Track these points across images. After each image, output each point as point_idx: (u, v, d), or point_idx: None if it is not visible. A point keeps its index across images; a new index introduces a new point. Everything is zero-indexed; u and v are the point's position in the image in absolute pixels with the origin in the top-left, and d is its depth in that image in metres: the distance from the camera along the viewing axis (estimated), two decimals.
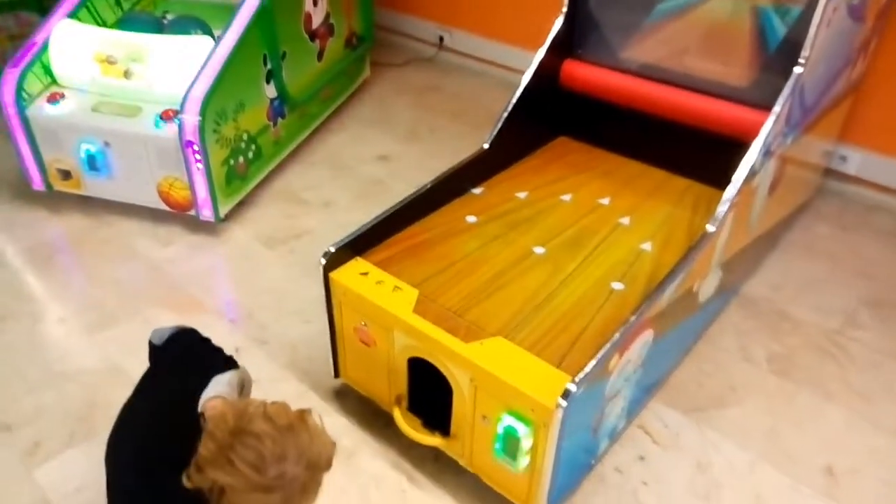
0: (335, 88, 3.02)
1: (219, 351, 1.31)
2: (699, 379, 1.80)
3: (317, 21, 2.73)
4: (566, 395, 1.20)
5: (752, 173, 1.61)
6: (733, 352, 1.89)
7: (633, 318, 1.34)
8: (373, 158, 2.79)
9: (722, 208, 1.56)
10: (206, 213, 2.24)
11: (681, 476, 1.56)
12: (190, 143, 2.10)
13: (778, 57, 1.81)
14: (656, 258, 1.63)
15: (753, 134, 1.68)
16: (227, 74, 2.17)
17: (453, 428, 1.45)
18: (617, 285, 1.54)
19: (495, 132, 1.89)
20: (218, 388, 1.20)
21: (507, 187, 1.89)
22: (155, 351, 1.31)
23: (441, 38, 3.62)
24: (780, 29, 1.82)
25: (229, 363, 1.27)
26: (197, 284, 2.11)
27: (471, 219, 1.75)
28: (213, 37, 2.29)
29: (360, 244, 1.59)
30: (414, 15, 3.69)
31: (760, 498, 1.52)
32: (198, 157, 2.12)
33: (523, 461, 1.32)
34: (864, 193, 2.54)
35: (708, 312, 1.86)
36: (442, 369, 1.40)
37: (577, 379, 1.22)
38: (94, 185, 2.31)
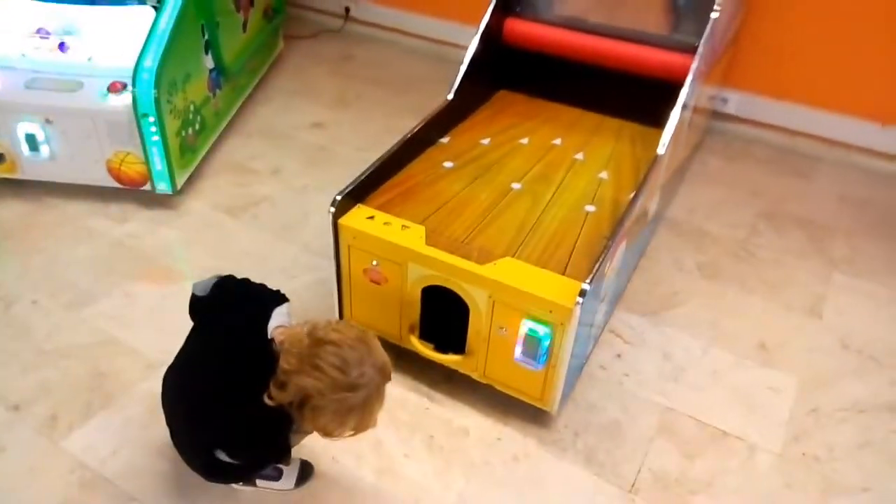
0: (257, 60, 3.03)
1: (266, 287, 1.39)
2: (647, 288, 2.10)
3: None
4: (583, 293, 1.42)
5: (685, 106, 1.91)
6: (669, 264, 2.22)
7: (619, 229, 1.58)
8: (308, 126, 2.86)
9: (667, 136, 1.84)
10: (162, 186, 2.23)
11: (652, 366, 1.85)
12: (145, 115, 2.08)
13: (688, 6, 2.12)
14: (614, 184, 1.89)
15: (677, 74, 1.98)
16: (174, 45, 2.16)
17: (469, 346, 1.63)
18: (589, 207, 1.78)
19: (456, 85, 2.06)
20: (280, 319, 1.30)
21: (469, 136, 2.07)
22: (202, 300, 1.37)
23: (347, 10, 3.69)
24: None
25: (282, 296, 1.37)
26: (169, 255, 2.12)
27: (448, 164, 1.92)
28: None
29: (357, 193, 1.71)
30: None
31: (716, 373, 1.84)
32: (153, 129, 2.11)
33: (543, 360, 1.53)
34: (744, 129, 2.98)
35: (648, 231, 2.17)
36: (459, 292, 1.57)
37: (589, 279, 1.44)
38: (32, 168, 2.21)
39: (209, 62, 2.46)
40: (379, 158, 1.79)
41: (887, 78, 2.64)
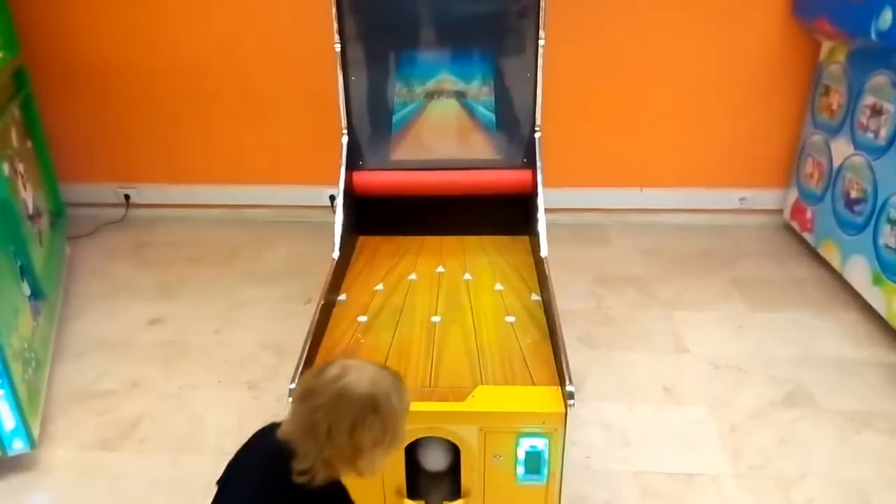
0: (55, 273, 2.68)
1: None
2: None
3: (31, 204, 2.44)
4: (571, 395, 1.53)
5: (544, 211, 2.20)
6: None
7: (558, 331, 1.74)
8: (144, 325, 2.59)
9: (543, 239, 2.09)
10: (18, 445, 1.84)
11: (600, 440, 2.00)
12: None
13: (500, 133, 2.46)
14: (512, 292, 2.06)
15: (518, 188, 2.28)
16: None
17: (464, 488, 1.62)
18: (509, 318, 1.92)
19: (338, 243, 2.10)
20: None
21: (363, 287, 2.09)
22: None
23: (127, 197, 3.47)
24: (487, 114, 2.48)
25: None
26: None
27: (362, 318, 1.92)
28: None
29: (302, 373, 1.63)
30: (88, 182, 3.44)
31: (650, 425, 2.06)
32: (1, 383, 1.76)
33: (546, 471, 1.58)
34: None
35: None
36: (447, 436, 1.57)
37: (571, 383, 1.56)
38: None
39: (26, 289, 2.14)
40: (308, 333, 1.73)
41: (635, 152, 3.30)
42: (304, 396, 1.15)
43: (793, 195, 3.19)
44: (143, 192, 3.48)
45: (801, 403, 2.13)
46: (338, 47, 2.14)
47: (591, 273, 2.94)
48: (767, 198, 3.33)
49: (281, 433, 1.16)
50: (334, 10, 2.08)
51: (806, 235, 3.05)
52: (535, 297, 2.03)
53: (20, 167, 2.42)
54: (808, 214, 3.02)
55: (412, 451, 1.60)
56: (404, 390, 1.22)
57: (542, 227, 2.13)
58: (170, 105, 3.28)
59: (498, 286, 2.10)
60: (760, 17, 3.01)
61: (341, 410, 1.12)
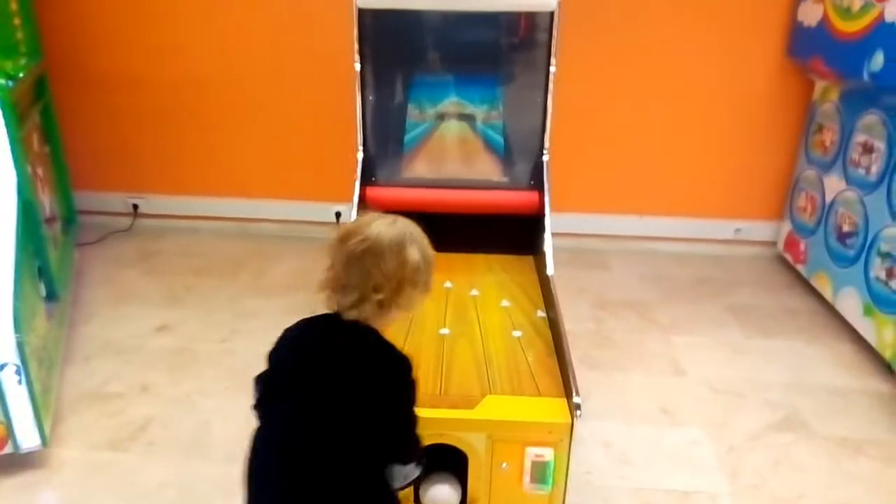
0: (65, 277, 2.72)
1: None
2: None
3: (48, 208, 2.50)
4: (578, 406, 1.59)
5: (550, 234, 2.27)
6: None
7: (565, 346, 1.80)
8: (152, 332, 2.63)
9: (549, 259, 2.16)
10: (30, 442, 1.87)
11: (601, 457, 2.05)
12: (5, 366, 1.76)
13: (508, 155, 2.54)
14: (518, 308, 2.12)
15: (524, 209, 2.36)
16: (20, 277, 1.90)
17: (470, 495, 1.66)
18: (516, 333, 1.98)
19: None
20: None
21: None
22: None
23: (135, 206, 3.52)
24: (497, 137, 2.57)
25: None
26: None
27: None
28: None
29: None
30: (98, 190, 3.50)
31: (649, 444, 2.11)
32: (18, 378, 1.79)
33: (551, 481, 1.63)
34: None
35: None
36: (455, 444, 1.61)
37: (578, 394, 1.61)
38: None
39: (42, 290, 2.18)
40: None
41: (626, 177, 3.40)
42: (343, 238, 1.27)
43: (787, 227, 3.28)
44: (152, 203, 3.53)
45: (795, 428, 2.19)
46: (357, 67, 2.23)
47: (592, 296, 3.01)
48: (762, 229, 3.42)
49: (324, 280, 1.28)
50: (355, 32, 2.17)
51: (799, 267, 3.14)
52: (541, 313, 2.09)
53: (39, 171, 2.48)
54: (802, 247, 3.11)
55: (418, 489, 1.65)
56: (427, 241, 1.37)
57: (548, 246, 2.21)
58: (180, 118, 3.35)
59: (504, 303, 2.16)
60: (758, 55, 3.14)
61: (383, 243, 1.26)
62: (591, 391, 2.34)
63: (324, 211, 3.41)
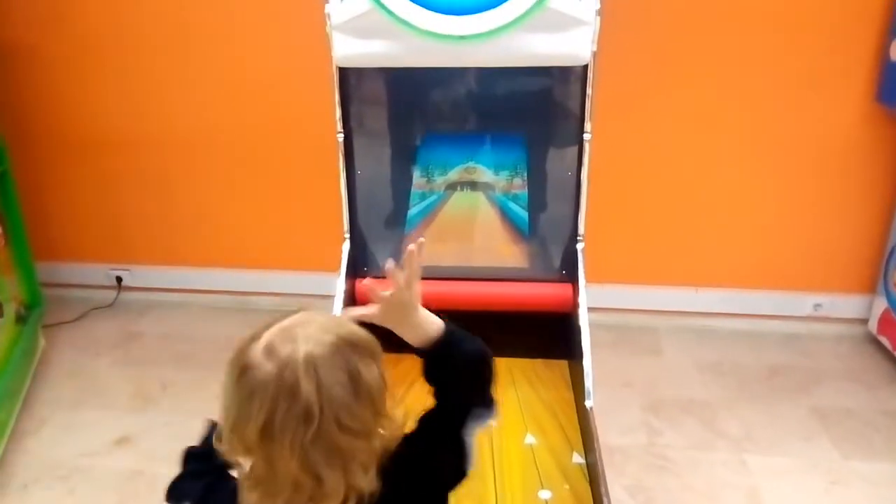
0: (16, 379, 2.33)
1: None
2: None
3: None
4: None
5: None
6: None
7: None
8: (108, 447, 2.20)
9: (589, 382, 1.65)
10: None
11: None
12: None
13: (534, 236, 2.06)
14: (546, 447, 1.63)
15: (553, 305, 1.86)
16: None
17: None
18: (544, 494, 1.48)
19: None
20: None
21: None
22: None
23: (119, 279, 3.15)
24: (520, 212, 2.10)
25: None
26: None
27: None
28: None
29: None
30: (79, 261, 3.15)
31: None
32: None
33: None
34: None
35: None
36: None
37: None
38: None
39: None
40: None
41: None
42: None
43: (880, 304, 2.70)
44: (137, 275, 3.15)
45: None
46: (340, 137, 1.78)
47: (641, 394, 2.48)
48: (848, 305, 2.84)
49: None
50: (337, 96, 1.71)
51: None
52: (578, 458, 1.58)
53: None
54: None
55: None
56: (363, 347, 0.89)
57: (587, 362, 1.70)
58: (166, 180, 2.98)
59: (529, 438, 1.66)
60: (840, 101, 2.60)
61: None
62: None
63: (328, 283, 2.97)
